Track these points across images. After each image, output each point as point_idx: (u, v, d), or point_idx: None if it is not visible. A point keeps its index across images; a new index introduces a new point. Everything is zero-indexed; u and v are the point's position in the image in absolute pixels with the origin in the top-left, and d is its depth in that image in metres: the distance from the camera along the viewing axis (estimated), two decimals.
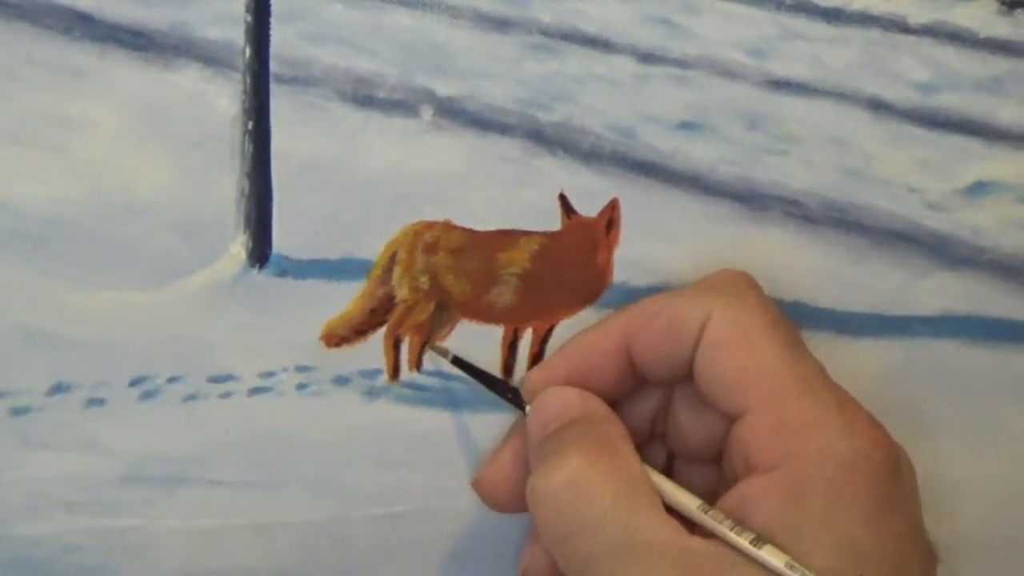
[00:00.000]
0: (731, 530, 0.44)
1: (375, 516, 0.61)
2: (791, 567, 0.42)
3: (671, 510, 0.48)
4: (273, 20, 0.58)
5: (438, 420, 0.63)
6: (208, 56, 0.61)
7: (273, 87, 0.60)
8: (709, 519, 0.45)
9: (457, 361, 0.60)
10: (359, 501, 0.61)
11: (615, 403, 0.56)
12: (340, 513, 0.60)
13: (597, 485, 0.41)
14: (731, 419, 0.50)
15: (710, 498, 0.48)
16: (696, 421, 0.53)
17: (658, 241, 0.63)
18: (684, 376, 0.53)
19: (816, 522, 0.38)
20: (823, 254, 0.61)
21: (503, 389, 0.58)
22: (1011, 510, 0.55)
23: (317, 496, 0.61)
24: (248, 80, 0.61)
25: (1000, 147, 0.63)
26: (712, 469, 0.52)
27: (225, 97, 0.61)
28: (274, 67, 0.60)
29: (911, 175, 0.62)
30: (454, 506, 0.61)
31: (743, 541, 0.43)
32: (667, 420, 0.55)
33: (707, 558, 0.44)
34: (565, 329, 0.69)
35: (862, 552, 0.38)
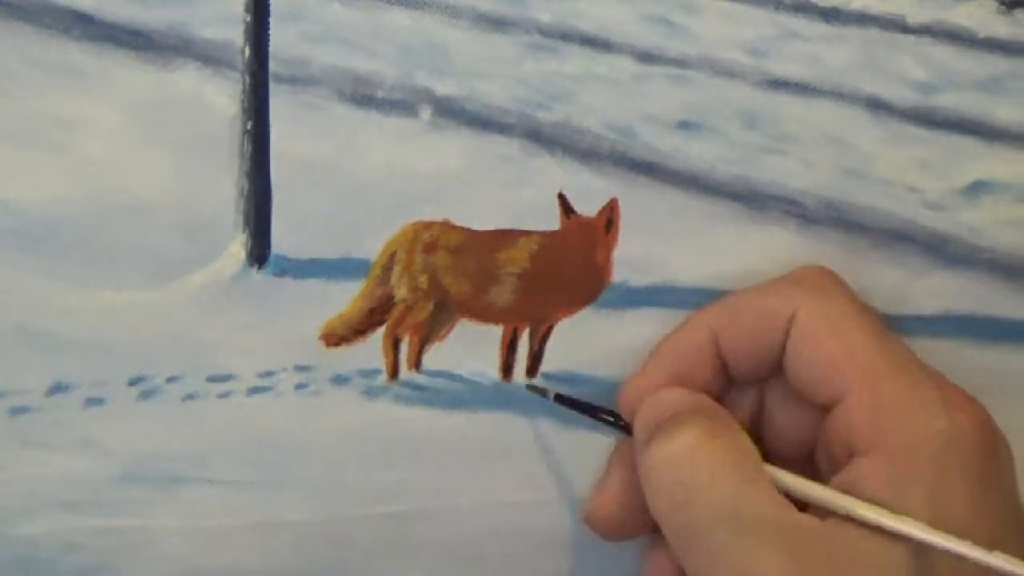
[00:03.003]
0: (865, 507, 0.44)
1: (374, 516, 0.61)
2: (935, 533, 0.42)
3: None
4: (272, 20, 0.58)
5: (437, 420, 0.63)
6: (207, 56, 0.61)
7: (272, 87, 0.60)
8: (844, 500, 0.45)
9: (559, 398, 0.60)
10: (358, 501, 0.61)
11: None
12: (339, 513, 0.60)
13: (714, 455, 0.42)
14: (826, 410, 0.50)
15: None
16: (790, 418, 0.53)
17: (657, 240, 0.63)
18: (773, 371, 0.53)
19: (919, 502, 0.39)
20: (821, 253, 0.61)
21: (606, 415, 0.58)
22: None
23: (316, 496, 0.61)
24: (247, 80, 0.61)
25: (999, 147, 0.63)
26: (807, 469, 0.53)
27: (224, 97, 0.61)
28: (273, 67, 0.60)
29: (910, 175, 0.62)
30: (453, 506, 0.61)
31: (883, 516, 0.43)
32: (761, 422, 0.55)
33: (819, 535, 0.44)
34: (564, 329, 0.69)
35: (961, 528, 0.38)
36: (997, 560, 0.43)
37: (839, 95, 0.63)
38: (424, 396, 0.67)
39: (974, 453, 0.46)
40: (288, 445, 0.63)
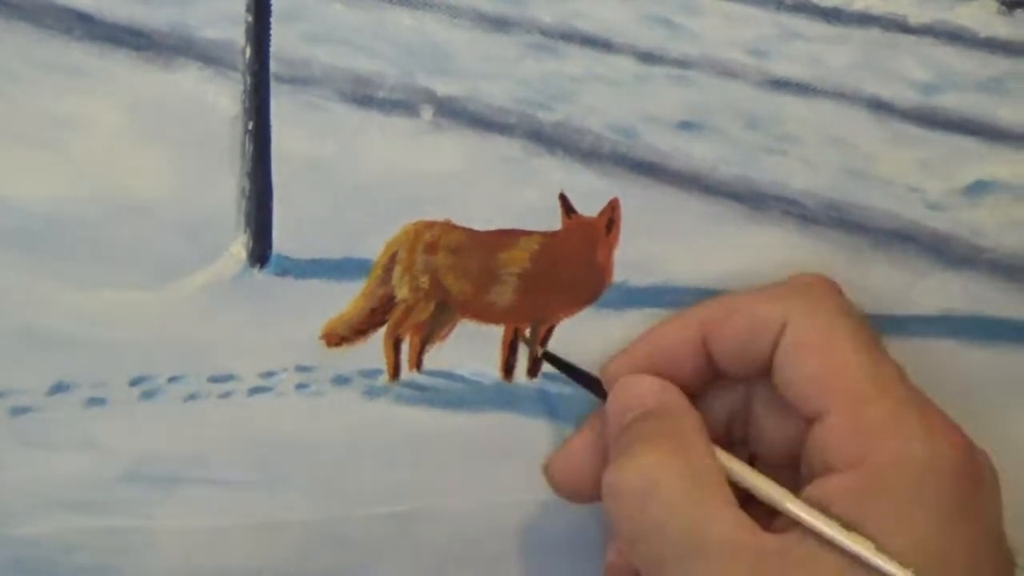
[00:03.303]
0: (818, 517, 0.44)
1: (375, 516, 0.61)
2: (878, 555, 0.42)
3: (748, 505, 0.48)
4: (273, 20, 0.58)
5: (438, 420, 0.63)
6: (208, 56, 0.61)
7: (273, 87, 0.60)
8: (793, 506, 0.45)
9: (547, 355, 0.60)
10: (359, 501, 0.61)
11: (693, 396, 0.56)
12: (340, 513, 0.60)
13: (668, 484, 0.41)
14: (810, 421, 0.50)
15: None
16: (775, 423, 0.53)
17: (658, 241, 0.63)
18: (760, 374, 0.53)
19: (890, 523, 0.39)
20: (823, 254, 0.61)
21: (588, 380, 0.58)
22: (1011, 511, 0.55)
23: (317, 496, 0.61)
24: (248, 80, 0.61)
25: (1000, 147, 0.63)
26: (793, 474, 0.52)
27: (225, 97, 0.61)
28: (274, 67, 0.60)
29: (911, 175, 0.62)
30: (455, 506, 0.61)
31: (831, 527, 0.43)
32: (748, 422, 0.55)
33: (778, 556, 0.44)
34: (565, 329, 0.69)
35: (934, 555, 0.38)
36: None
37: (840, 95, 0.63)
38: (425, 396, 0.67)
39: (952, 481, 0.46)
40: (289, 445, 0.63)
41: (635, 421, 0.51)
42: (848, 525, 0.44)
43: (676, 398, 0.53)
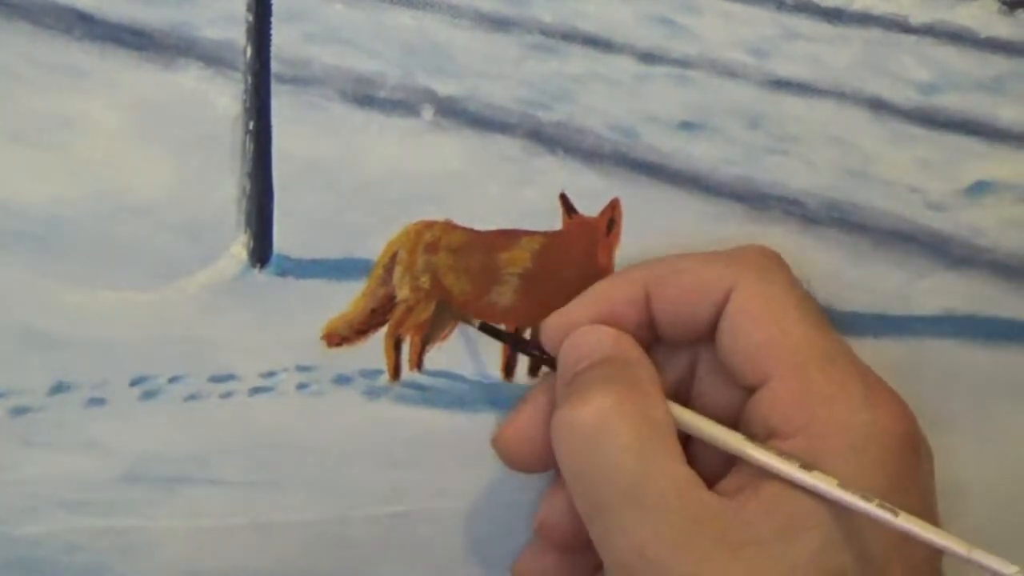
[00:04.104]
0: (779, 457, 0.44)
1: (376, 516, 0.61)
2: (843, 489, 0.43)
3: (695, 459, 0.48)
4: (274, 20, 0.58)
5: (439, 420, 0.63)
6: (209, 56, 0.61)
7: (274, 87, 0.60)
8: (752, 449, 0.45)
9: (484, 327, 0.59)
10: (360, 501, 0.61)
11: None
12: (341, 513, 0.60)
13: (620, 426, 0.41)
14: (752, 389, 0.50)
15: (727, 466, 0.48)
16: (716, 390, 0.53)
17: (659, 241, 0.63)
18: (701, 338, 0.52)
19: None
20: (823, 254, 0.61)
21: (531, 348, 0.57)
22: (1012, 511, 0.55)
23: (318, 496, 0.61)
24: (249, 80, 0.61)
25: (1001, 147, 0.63)
26: None
27: (226, 97, 0.61)
28: (275, 67, 0.60)
29: (911, 175, 0.62)
30: (455, 506, 0.61)
31: (792, 467, 0.43)
32: (690, 386, 0.55)
33: (721, 515, 0.44)
34: None
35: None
36: (900, 521, 0.43)
37: (841, 95, 0.63)
38: (426, 396, 0.67)
39: (893, 449, 0.46)
40: (290, 445, 0.63)
41: (590, 367, 0.50)
42: (807, 466, 0.44)
43: (632, 348, 0.52)
